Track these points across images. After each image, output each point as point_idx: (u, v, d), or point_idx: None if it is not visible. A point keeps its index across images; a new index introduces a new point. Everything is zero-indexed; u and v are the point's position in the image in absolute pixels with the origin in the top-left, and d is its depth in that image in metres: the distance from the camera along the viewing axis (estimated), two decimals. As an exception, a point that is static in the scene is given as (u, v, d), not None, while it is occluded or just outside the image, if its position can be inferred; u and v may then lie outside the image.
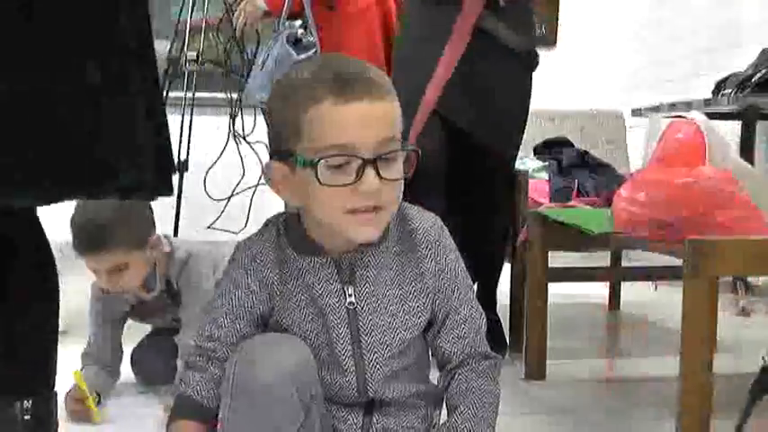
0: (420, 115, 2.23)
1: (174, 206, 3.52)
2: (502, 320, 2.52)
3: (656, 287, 3.74)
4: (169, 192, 1.11)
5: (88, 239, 1.85)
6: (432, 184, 2.19)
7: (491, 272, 2.55)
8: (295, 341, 1.14)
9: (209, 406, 1.15)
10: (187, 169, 3.65)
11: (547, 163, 2.95)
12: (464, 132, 2.36)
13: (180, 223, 3.46)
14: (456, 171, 2.37)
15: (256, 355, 1.09)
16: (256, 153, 3.69)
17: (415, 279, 1.18)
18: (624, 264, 3.33)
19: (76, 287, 3.63)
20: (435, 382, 1.26)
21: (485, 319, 1.25)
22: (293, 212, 1.19)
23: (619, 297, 3.38)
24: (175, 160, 3.63)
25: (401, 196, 1.13)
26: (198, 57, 3.63)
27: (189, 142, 3.64)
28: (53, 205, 1.01)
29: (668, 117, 2.12)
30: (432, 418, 1.25)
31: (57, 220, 5.15)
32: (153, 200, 1.15)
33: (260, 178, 4.42)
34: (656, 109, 3.37)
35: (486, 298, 2.43)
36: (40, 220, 1.24)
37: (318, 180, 1.06)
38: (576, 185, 2.76)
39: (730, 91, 3.07)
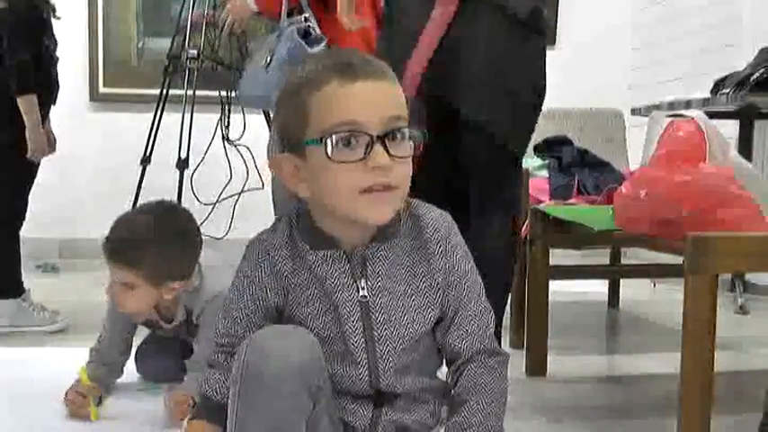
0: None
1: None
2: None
3: (654, 285, 3.76)
4: None
5: (112, 246, 1.82)
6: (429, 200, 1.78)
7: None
8: (303, 333, 1.15)
9: (226, 403, 1.15)
10: (188, 166, 3.66)
11: (547, 161, 2.96)
12: (460, 117, 1.95)
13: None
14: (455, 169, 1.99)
15: (265, 347, 1.09)
16: (242, 156, 3.71)
17: (425, 275, 1.20)
18: (623, 261, 3.35)
19: (76, 286, 3.66)
20: (443, 378, 1.27)
21: (494, 316, 1.26)
22: (305, 207, 1.20)
23: (618, 295, 3.40)
24: (176, 158, 3.67)
25: (411, 176, 1.13)
26: (199, 54, 3.64)
27: (189, 140, 3.64)
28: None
29: (669, 116, 2.12)
30: (439, 414, 1.26)
31: (56, 220, 5.15)
32: None
33: (244, 185, 4.37)
34: (656, 108, 3.38)
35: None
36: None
37: (328, 156, 1.06)
38: (577, 183, 2.77)
39: (729, 90, 3.08)
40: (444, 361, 1.28)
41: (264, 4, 2.77)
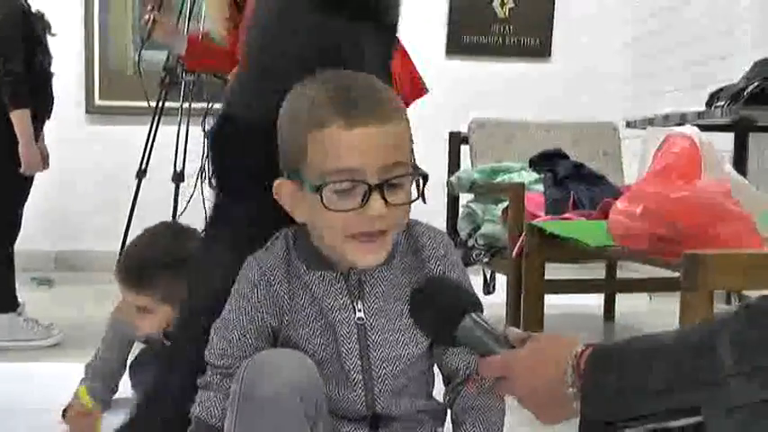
0: None
1: (170, 215, 3.52)
2: None
3: (650, 297, 3.76)
4: None
5: (125, 274, 1.84)
6: None
7: None
8: (301, 356, 1.14)
9: (220, 426, 1.15)
10: (183, 179, 3.65)
11: (542, 175, 2.96)
12: None
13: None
14: None
15: (263, 370, 1.09)
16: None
17: None
18: (618, 274, 3.35)
19: (71, 299, 3.65)
20: (439, 399, 1.26)
21: None
22: (303, 226, 1.19)
23: (614, 307, 3.40)
24: (172, 170, 3.65)
25: (407, 220, 1.13)
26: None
27: (185, 152, 3.64)
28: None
29: (665, 128, 2.13)
30: (436, 435, 1.25)
31: (52, 231, 5.12)
32: None
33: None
34: (651, 121, 3.39)
35: None
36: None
37: (324, 205, 1.06)
38: (572, 197, 2.77)
39: (723, 103, 3.09)
40: (442, 380, 1.27)
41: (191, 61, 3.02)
